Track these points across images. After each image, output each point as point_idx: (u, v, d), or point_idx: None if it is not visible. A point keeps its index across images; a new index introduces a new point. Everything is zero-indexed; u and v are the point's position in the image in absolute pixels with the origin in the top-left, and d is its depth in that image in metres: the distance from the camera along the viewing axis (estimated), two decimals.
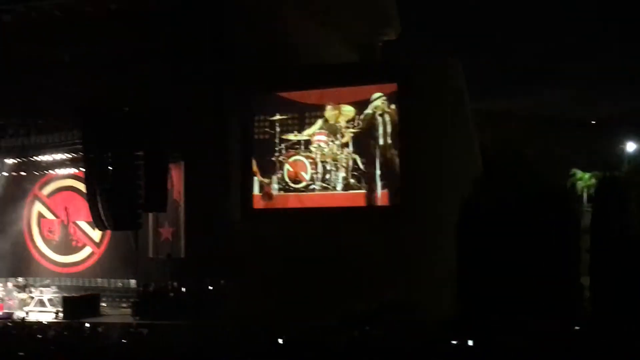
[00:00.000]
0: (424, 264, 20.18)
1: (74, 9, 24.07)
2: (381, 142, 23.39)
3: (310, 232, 21.90)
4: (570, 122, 18.46)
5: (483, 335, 13.14)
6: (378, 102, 23.27)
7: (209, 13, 23.71)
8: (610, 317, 16.79)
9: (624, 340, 12.23)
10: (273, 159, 24.64)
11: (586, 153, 18.73)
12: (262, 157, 24.73)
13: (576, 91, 17.94)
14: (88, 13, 24.18)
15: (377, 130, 23.51)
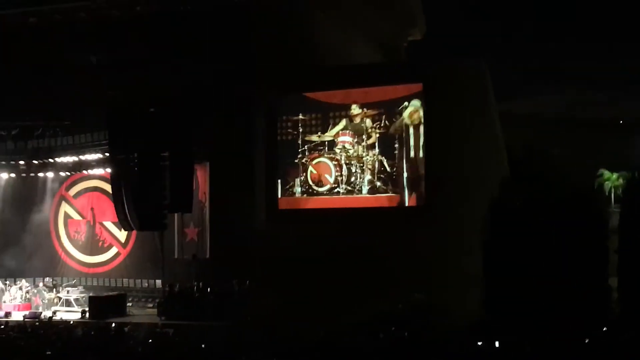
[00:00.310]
0: (449, 265, 20.02)
1: (99, 11, 24.22)
2: (412, 143, 22.88)
3: (335, 233, 21.74)
4: (598, 123, 18.26)
5: (509, 337, 13.04)
6: (411, 109, 22.86)
7: (235, 15, 23.75)
8: (638, 318, 16.60)
9: None
10: (296, 161, 24.32)
11: (614, 153, 18.51)
12: (285, 159, 24.39)
13: (603, 92, 17.74)
14: (114, 15, 24.32)
15: (407, 133, 22.95)
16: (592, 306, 16.83)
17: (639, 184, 18.25)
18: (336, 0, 25.91)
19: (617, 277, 17.87)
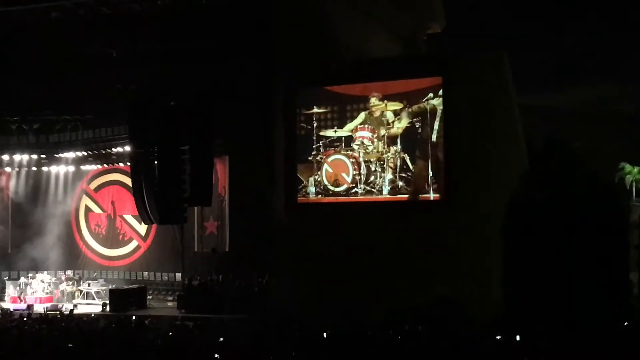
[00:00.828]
0: (470, 259, 19.85)
1: (121, 5, 24.30)
2: (434, 139, 21.54)
3: (354, 226, 21.43)
4: (619, 116, 18.12)
5: (529, 332, 13.02)
6: (435, 102, 21.56)
7: (256, 8, 23.70)
8: None
9: None
10: (310, 158, 23.09)
11: (636, 147, 18.39)
12: (298, 156, 23.16)
13: (624, 84, 17.61)
14: (135, 9, 24.39)
15: (430, 125, 21.60)
16: (612, 301, 16.75)
17: None
18: None
19: (638, 272, 17.78)
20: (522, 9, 18.81)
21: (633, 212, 18.80)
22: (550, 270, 17.27)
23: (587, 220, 17.35)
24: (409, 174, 22.17)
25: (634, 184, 18.83)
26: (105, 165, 27.59)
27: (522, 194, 18.24)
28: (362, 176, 22.69)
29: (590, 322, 13.66)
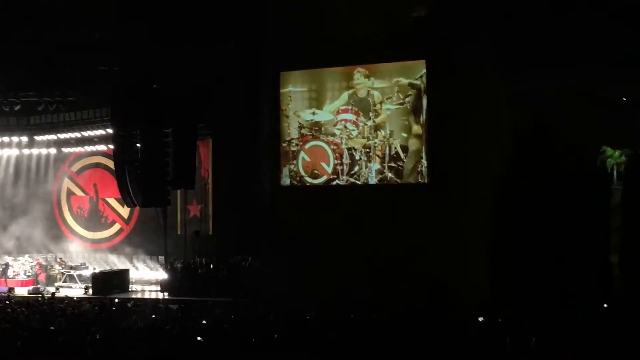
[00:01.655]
0: (456, 242, 19.79)
1: None
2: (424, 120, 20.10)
3: (339, 210, 21.20)
4: (602, 100, 18.17)
5: (513, 313, 13.14)
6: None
7: None
8: (637, 295, 16.70)
9: None
10: (284, 144, 21.71)
11: (617, 131, 18.46)
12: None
13: (607, 69, 17.65)
14: None
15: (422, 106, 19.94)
16: (593, 282, 16.91)
17: None
18: None
19: (618, 254, 17.94)
20: None
21: (614, 195, 18.90)
22: (534, 252, 17.39)
23: (570, 203, 17.48)
24: (399, 163, 20.54)
25: (615, 167, 18.91)
26: (88, 148, 27.40)
27: (507, 177, 18.31)
28: (344, 166, 20.94)
29: (572, 304, 13.76)
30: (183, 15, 23.61)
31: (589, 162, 19.02)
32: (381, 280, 18.80)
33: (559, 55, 18.60)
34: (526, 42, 18.75)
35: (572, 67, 18.25)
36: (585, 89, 18.34)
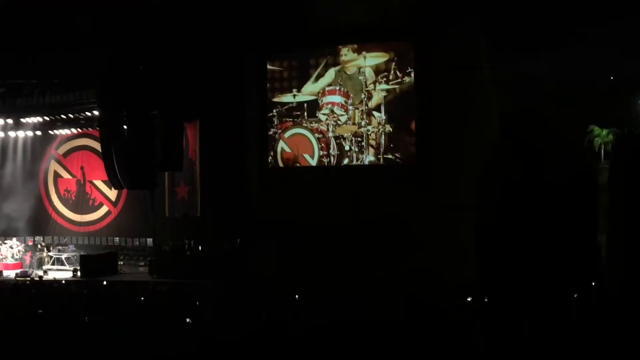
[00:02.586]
0: (444, 228, 19.78)
1: None
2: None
3: (327, 192, 20.99)
4: (590, 82, 18.21)
5: (500, 297, 13.20)
6: None
7: None
8: (626, 276, 16.78)
9: (637, 297, 12.21)
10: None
11: (605, 111, 18.52)
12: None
13: (596, 51, 17.67)
14: None
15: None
16: (581, 263, 16.99)
17: (629, 140, 18.31)
18: None
19: (606, 234, 18.01)
20: None
21: (601, 174, 18.97)
22: (521, 233, 17.45)
23: (557, 184, 17.55)
24: (397, 155, 18.90)
25: (602, 146, 18.96)
26: (74, 130, 27.25)
27: (494, 160, 18.34)
28: (331, 157, 19.26)
29: (559, 284, 13.83)
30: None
31: (576, 142, 19.07)
32: (369, 263, 18.77)
33: (547, 37, 18.59)
34: (514, 26, 18.72)
35: (562, 50, 18.26)
36: (573, 72, 18.37)
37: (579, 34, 18.25)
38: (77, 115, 26.09)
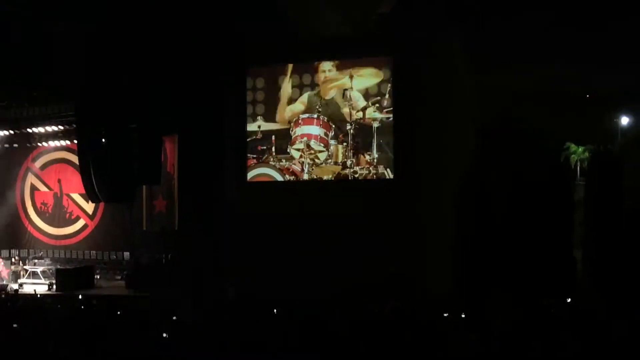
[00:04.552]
0: (422, 237, 19.82)
1: None
2: None
3: (307, 206, 21.06)
4: (565, 96, 18.43)
5: (475, 310, 13.28)
6: None
7: None
8: (601, 290, 16.92)
9: (613, 313, 12.31)
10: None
11: (581, 127, 18.76)
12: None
13: (571, 65, 17.90)
14: None
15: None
16: (557, 277, 17.11)
17: (604, 157, 18.54)
18: None
19: (582, 249, 18.18)
20: None
21: (577, 191, 19.17)
22: (499, 247, 17.56)
23: (533, 199, 17.70)
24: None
25: (578, 163, 19.23)
26: (52, 143, 27.11)
27: (472, 173, 18.45)
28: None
29: (535, 298, 13.91)
30: (150, 12, 23.47)
31: (553, 158, 19.26)
32: (348, 274, 18.80)
33: (525, 52, 18.78)
34: (493, 39, 18.89)
35: (537, 64, 18.45)
36: (550, 86, 18.56)
37: (557, 48, 18.48)
38: (54, 128, 25.95)
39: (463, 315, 13.12)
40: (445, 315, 13.27)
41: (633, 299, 13.43)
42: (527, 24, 18.60)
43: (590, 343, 9.65)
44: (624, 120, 19.50)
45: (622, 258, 17.35)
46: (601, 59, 18.08)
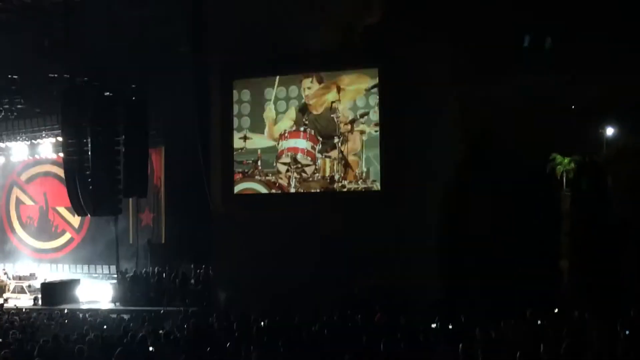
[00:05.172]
0: (408, 249, 19.75)
1: None
2: None
3: (293, 217, 20.89)
4: (551, 108, 18.52)
5: (462, 320, 13.30)
6: None
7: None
8: (587, 300, 16.97)
9: (598, 323, 12.36)
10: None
11: (566, 138, 18.85)
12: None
13: (556, 76, 18.01)
14: None
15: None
16: (543, 287, 17.15)
17: (589, 167, 18.64)
18: None
19: (568, 260, 18.25)
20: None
21: (563, 201, 19.24)
22: (485, 257, 17.59)
23: (521, 210, 17.78)
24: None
25: (564, 174, 19.30)
26: (37, 157, 27.02)
27: (458, 184, 18.50)
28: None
29: (521, 308, 13.92)
30: (136, 23, 23.47)
31: (539, 169, 19.33)
32: (335, 286, 18.74)
33: (509, 62, 18.86)
34: (478, 49, 18.96)
35: (522, 74, 18.53)
36: (535, 97, 18.65)
37: (542, 60, 18.58)
38: (40, 141, 25.89)
39: (450, 326, 13.16)
40: (433, 325, 13.32)
41: (618, 309, 13.47)
42: (512, 35, 18.69)
43: (575, 353, 9.67)
44: (609, 131, 19.59)
45: (608, 268, 17.41)
46: (585, 69, 18.19)
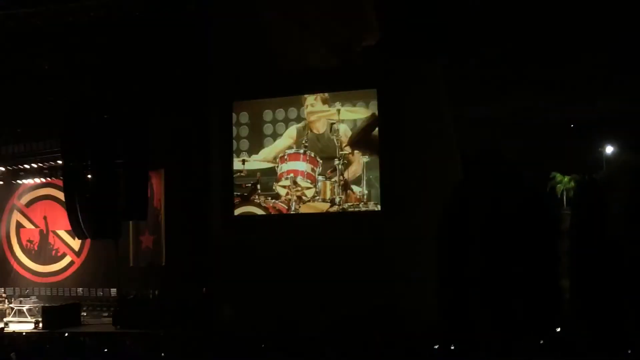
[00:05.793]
0: (407, 268, 19.78)
1: (53, 18, 23.84)
2: None
3: (293, 238, 20.86)
4: (550, 126, 18.59)
5: (462, 341, 13.26)
6: None
7: (190, 19, 23.43)
8: (588, 320, 16.93)
9: (601, 342, 12.32)
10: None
11: (566, 157, 18.90)
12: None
13: (555, 95, 18.08)
14: (67, 22, 23.97)
15: None
16: (544, 307, 17.11)
17: (589, 186, 18.65)
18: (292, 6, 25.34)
19: (569, 279, 18.21)
20: (455, 21, 19.10)
21: (564, 220, 19.24)
22: (484, 278, 17.56)
23: (519, 229, 17.76)
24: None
25: (564, 193, 19.34)
26: (37, 180, 27.03)
27: (456, 204, 18.50)
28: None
29: (522, 329, 13.90)
30: (133, 45, 23.56)
31: (539, 188, 19.36)
32: (335, 306, 18.71)
33: (509, 83, 18.94)
34: (476, 69, 19.05)
35: (521, 94, 18.60)
36: (535, 116, 18.71)
37: (541, 79, 18.65)
38: (40, 164, 25.90)
39: (452, 347, 13.12)
40: (435, 347, 13.28)
41: (619, 329, 13.42)
42: (511, 55, 18.78)
43: None
44: (609, 150, 19.65)
45: (609, 288, 17.37)
46: (585, 88, 18.26)
